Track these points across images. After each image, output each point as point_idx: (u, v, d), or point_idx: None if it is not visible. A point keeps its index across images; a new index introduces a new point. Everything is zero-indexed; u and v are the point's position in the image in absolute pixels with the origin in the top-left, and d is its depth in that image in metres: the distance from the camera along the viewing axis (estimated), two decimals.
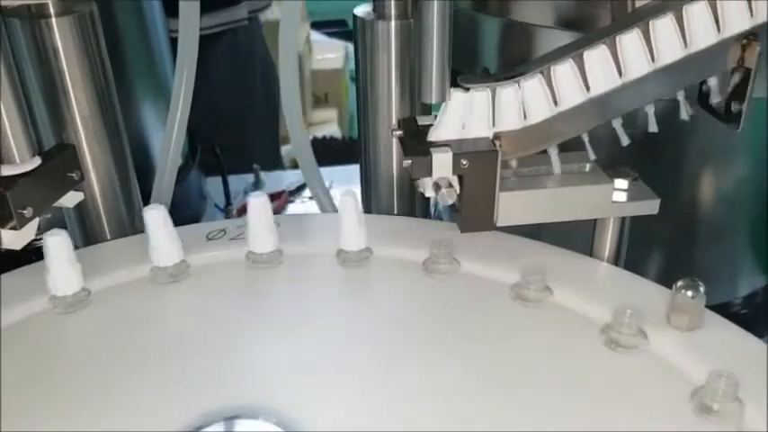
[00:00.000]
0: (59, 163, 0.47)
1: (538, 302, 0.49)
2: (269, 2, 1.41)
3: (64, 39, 0.56)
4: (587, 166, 0.53)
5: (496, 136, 0.49)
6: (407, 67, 0.59)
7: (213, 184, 1.18)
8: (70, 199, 0.49)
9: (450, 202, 0.46)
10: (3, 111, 0.44)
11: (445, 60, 0.47)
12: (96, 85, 0.59)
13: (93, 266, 0.53)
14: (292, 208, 1.21)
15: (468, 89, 0.47)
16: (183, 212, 0.84)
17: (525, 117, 0.50)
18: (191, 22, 0.65)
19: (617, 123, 0.52)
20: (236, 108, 1.37)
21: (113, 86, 0.60)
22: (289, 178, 1.32)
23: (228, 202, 1.07)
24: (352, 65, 2.90)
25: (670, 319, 0.48)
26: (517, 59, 0.66)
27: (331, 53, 2.65)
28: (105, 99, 0.60)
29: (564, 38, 0.63)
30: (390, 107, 0.62)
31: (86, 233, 0.63)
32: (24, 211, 0.45)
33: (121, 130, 0.62)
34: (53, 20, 0.56)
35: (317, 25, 2.73)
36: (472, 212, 0.49)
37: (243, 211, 1.13)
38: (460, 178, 0.48)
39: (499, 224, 0.51)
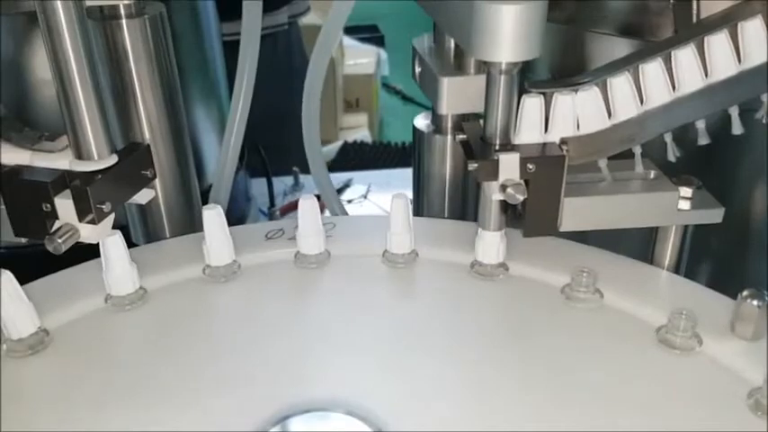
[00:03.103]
0: (134, 161, 0.49)
1: (589, 304, 0.51)
2: (308, 7, 1.42)
3: (134, 40, 0.58)
4: (652, 174, 0.53)
5: (563, 141, 0.49)
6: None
7: (255, 185, 1.19)
8: (143, 196, 0.51)
9: (521, 199, 0.47)
10: (84, 109, 0.45)
11: (512, 111, 0.48)
12: (163, 86, 0.60)
13: (150, 264, 0.55)
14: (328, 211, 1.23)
15: (542, 94, 0.48)
16: (230, 214, 0.86)
17: (579, 126, 0.51)
18: (253, 21, 0.67)
19: (668, 138, 0.52)
20: (275, 111, 1.38)
21: (179, 88, 0.62)
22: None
23: (272, 204, 1.09)
24: (383, 70, 2.92)
25: (735, 327, 0.48)
26: (574, 66, 0.67)
27: (363, 58, 2.66)
28: (171, 100, 0.61)
29: (623, 46, 0.63)
30: None
31: (147, 230, 0.64)
32: (103, 206, 0.46)
33: (185, 131, 0.63)
34: (124, 21, 0.57)
35: (349, 30, 2.75)
36: (536, 217, 0.49)
37: (285, 211, 1.15)
38: (526, 182, 0.48)
39: (562, 229, 0.51)
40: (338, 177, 1.31)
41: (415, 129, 0.68)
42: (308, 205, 0.55)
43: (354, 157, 2.30)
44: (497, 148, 0.49)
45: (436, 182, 0.67)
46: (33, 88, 0.76)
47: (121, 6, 0.57)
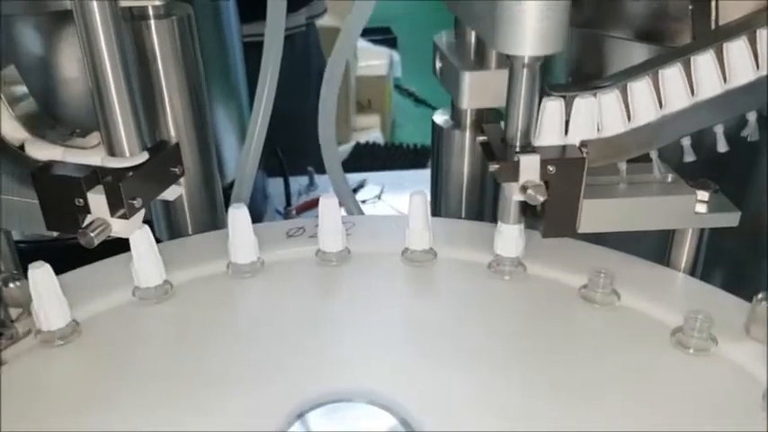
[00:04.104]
0: (164, 158, 0.50)
1: (606, 305, 0.51)
2: (325, 8, 1.43)
3: (162, 41, 0.59)
4: (669, 177, 0.54)
5: (583, 143, 0.50)
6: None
7: (270, 185, 1.21)
8: (171, 192, 0.52)
9: (541, 200, 0.48)
10: (117, 107, 0.47)
11: (533, 108, 0.49)
12: (190, 86, 0.61)
13: (176, 259, 0.56)
14: (343, 211, 1.24)
15: (563, 97, 0.49)
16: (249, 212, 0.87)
17: (599, 129, 0.51)
18: (277, 19, 0.68)
19: (685, 141, 0.53)
20: (292, 112, 1.40)
21: (205, 88, 0.63)
22: None
23: (288, 203, 1.10)
24: (396, 72, 2.93)
25: (749, 329, 0.48)
26: (592, 70, 0.68)
27: (375, 60, 2.67)
28: (197, 100, 0.62)
29: (640, 50, 0.64)
30: None
31: (171, 227, 0.66)
32: (134, 202, 0.47)
33: (209, 130, 0.64)
34: (152, 22, 0.59)
35: (362, 32, 2.75)
36: (556, 218, 0.50)
37: (300, 210, 1.16)
38: (546, 184, 0.49)
39: (580, 231, 0.52)
40: (352, 178, 1.32)
41: (433, 124, 0.68)
42: (328, 204, 0.56)
43: (366, 158, 2.31)
44: (518, 149, 0.50)
45: (454, 177, 0.68)
46: (59, 86, 0.77)
47: (150, 8, 0.58)
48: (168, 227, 0.66)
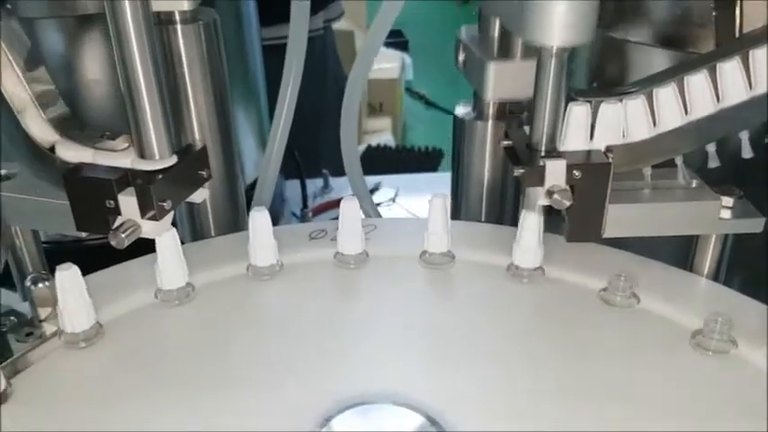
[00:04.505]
0: (192, 161, 0.50)
1: (626, 308, 0.52)
2: (342, 11, 1.44)
3: (188, 45, 0.60)
4: (694, 183, 0.54)
5: (608, 148, 0.50)
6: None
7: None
8: (198, 195, 0.52)
9: (567, 204, 0.48)
10: (148, 110, 0.47)
11: (560, 106, 0.49)
12: (215, 90, 0.62)
13: (196, 261, 0.56)
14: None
15: (589, 102, 0.49)
16: None
17: (624, 135, 0.52)
18: (301, 24, 0.68)
19: (711, 147, 0.53)
20: (308, 114, 1.40)
21: (228, 92, 0.64)
22: None
23: (305, 205, 1.11)
24: (407, 75, 2.94)
25: None
26: (612, 75, 0.68)
27: (387, 63, 2.68)
28: (221, 104, 0.63)
29: (662, 56, 0.64)
30: None
31: (195, 228, 0.66)
32: (164, 204, 0.48)
33: (233, 134, 0.65)
34: (179, 27, 0.59)
35: None
36: (581, 223, 0.50)
37: (317, 212, 1.16)
38: (571, 188, 0.49)
39: (605, 236, 0.52)
40: (366, 181, 1.33)
41: (455, 117, 0.68)
42: (349, 206, 0.57)
43: (377, 161, 2.31)
44: (543, 154, 0.50)
45: (476, 170, 0.67)
46: (83, 89, 0.78)
47: (177, 12, 0.59)
48: (192, 228, 0.66)
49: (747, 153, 0.53)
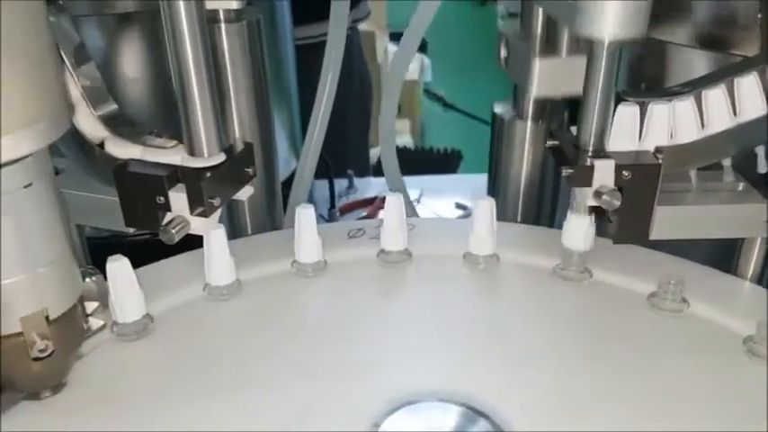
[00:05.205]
0: (239, 159, 0.51)
1: (676, 313, 0.51)
2: (369, 11, 1.45)
3: (232, 44, 0.60)
4: (740, 186, 0.54)
5: (658, 149, 0.50)
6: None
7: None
8: (244, 193, 0.53)
9: (617, 205, 0.48)
10: (199, 109, 0.48)
11: (609, 107, 0.49)
12: (256, 89, 0.62)
13: (242, 258, 0.56)
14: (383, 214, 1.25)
15: (641, 103, 0.49)
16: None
17: (672, 136, 0.51)
18: (340, 23, 0.69)
19: (760, 150, 0.53)
20: (333, 115, 1.41)
21: (269, 91, 0.64)
22: (377, 184, 1.35)
23: (333, 205, 1.11)
24: (426, 76, 2.93)
25: None
26: (654, 77, 0.67)
27: None
28: (262, 103, 0.63)
29: (704, 58, 0.64)
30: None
31: (233, 226, 0.67)
32: (213, 201, 0.48)
33: (273, 133, 0.65)
34: (223, 25, 0.60)
35: (393, 37, 2.77)
36: (628, 224, 0.50)
37: (344, 211, 1.17)
38: (620, 189, 0.49)
39: (652, 238, 0.52)
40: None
41: (494, 115, 0.68)
42: (393, 202, 0.57)
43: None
44: (591, 153, 0.50)
45: (514, 169, 0.67)
46: (120, 87, 0.79)
47: (221, 11, 0.59)
48: (230, 226, 0.67)
49: (763, 168, 0.53)
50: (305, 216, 0.56)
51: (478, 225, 0.57)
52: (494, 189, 0.71)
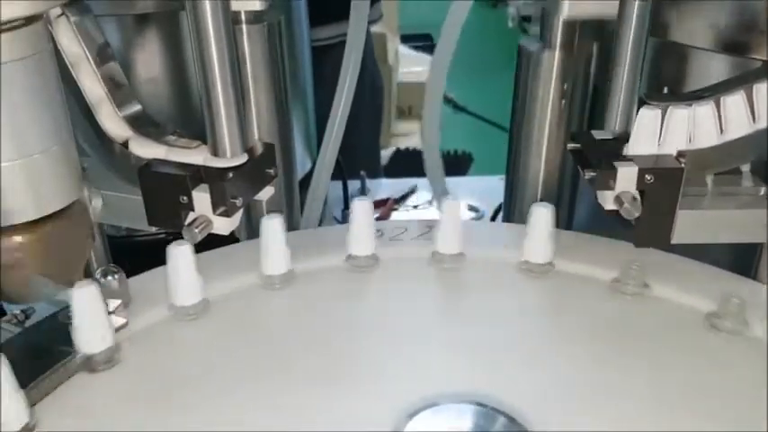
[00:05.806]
0: (261, 159, 0.51)
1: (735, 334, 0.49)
2: (381, 13, 1.45)
3: (253, 46, 0.61)
4: (762, 190, 0.53)
5: (681, 153, 0.50)
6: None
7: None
8: (265, 193, 0.53)
9: (636, 215, 0.48)
10: (223, 110, 0.48)
11: (635, 90, 0.48)
12: (276, 91, 0.63)
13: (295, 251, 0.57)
14: (396, 215, 1.25)
15: (665, 107, 0.49)
16: None
17: (691, 140, 0.51)
18: (359, 24, 0.69)
19: None
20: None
21: (289, 93, 0.64)
22: (388, 186, 1.36)
23: (346, 206, 1.11)
24: None
25: None
26: (669, 80, 0.67)
27: (417, 66, 2.68)
28: (281, 104, 0.64)
29: (722, 62, 0.64)
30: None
31: (251, 226, 0.67)
32: (236, 201, 0.48)
33: (292, 135, 0.66)
34: (244, 27, 0.60)
35: (403, 39, 2.77)
36: (650, 228, 0.50)
37: None
38: (642, 193, 0.49)
39: (673, 242, 0.52)
40: (404, 183, 1.34)
41: (520, 48, 0.66)
42: (450, 207, 0.57)
43: (406, 164, 2.32)
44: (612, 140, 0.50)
45: (541, 103, 0.65)
46: (138, 87, 0.80)
47: (243, 12, 0.60)
48: (249, 227, 0.67)
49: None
50: (360, 209, 0.55)
51: (534, 231, 0.55)
52: (512, 138, 0.70)
